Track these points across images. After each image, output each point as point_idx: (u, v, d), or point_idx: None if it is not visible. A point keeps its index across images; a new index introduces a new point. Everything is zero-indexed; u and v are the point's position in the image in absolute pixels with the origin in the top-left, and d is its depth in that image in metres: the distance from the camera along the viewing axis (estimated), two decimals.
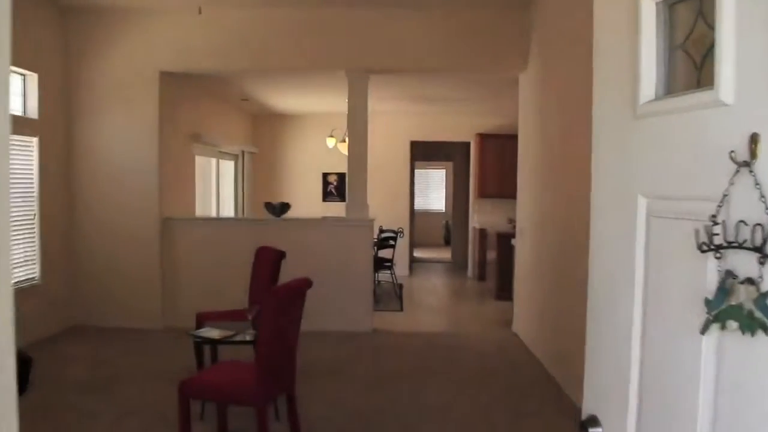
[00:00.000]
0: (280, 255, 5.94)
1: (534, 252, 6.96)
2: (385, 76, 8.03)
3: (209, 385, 3.95)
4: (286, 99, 11.07)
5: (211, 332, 5.06)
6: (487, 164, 12.30)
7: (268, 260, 5.95)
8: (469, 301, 10.38)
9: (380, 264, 10.14)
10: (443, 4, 7.29)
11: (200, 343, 5.15)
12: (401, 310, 9.21)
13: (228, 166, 11.74)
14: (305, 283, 4.09)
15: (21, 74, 7.03)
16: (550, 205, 6.23)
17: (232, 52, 7.57)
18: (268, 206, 8.09)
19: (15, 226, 6.80)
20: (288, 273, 6.12)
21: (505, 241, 9.54)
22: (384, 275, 10.73)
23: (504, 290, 9.59)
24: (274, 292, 3.83)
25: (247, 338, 4.90)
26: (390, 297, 10.06)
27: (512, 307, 8.14)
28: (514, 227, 8.91)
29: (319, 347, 6.91)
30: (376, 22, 7.45)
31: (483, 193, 12.41)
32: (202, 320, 5.78)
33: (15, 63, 6.62)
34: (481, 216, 12.61)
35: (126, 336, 7.33)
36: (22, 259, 6.95)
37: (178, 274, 7.83)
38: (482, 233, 11.86)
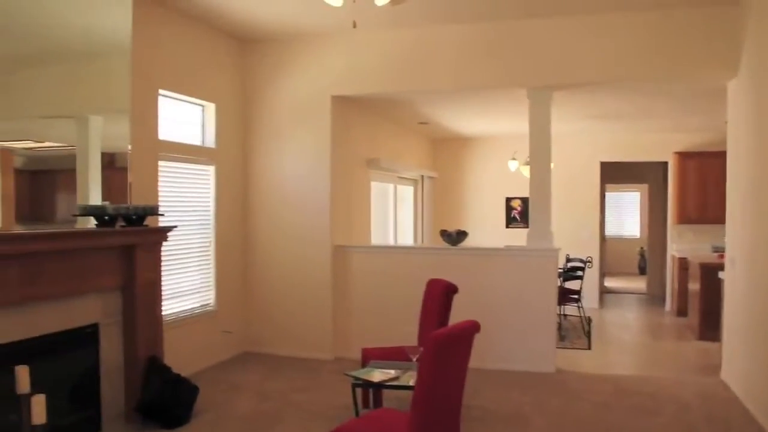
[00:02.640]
0: (451, 289, 5.48)
1: (750, 286, 5.94)
2: (568, 92, 7.36)
3: None
4: (465, 121, 10.64)
5: (372, 374, 4.70)
6: (688, 186, 11.13)
7: (438, 294, 5.50)
8: (666, 339, 9.29)
9: (566, 296, 9.36)
10: (630, 6, 6.50)
11: (358, 386, 4.79)
12: (589, 348, 8.38)
13: (407, 192, 11.50)
14: (472, 328, 3.58)
15: (200, 105, 7.16)
16: None
17: (404, 73, 7.25)
18: (444, 234, 7.67)
19: (193, 253, 6.90)
20: (462, 307, 5.69)
21: (710, 273, 8.42)
22: (570, 308, 9.92)
23: (709, 329, 8.47)
24: (434, 338, 3.35)
25: (411, 383, 4.46)
26: (577, 333, 9.24)
27: (720, 349, 7.09)
28: (721, 257, 7.82)
29: (495, 389, 6.34)
30: (555, 33, 6.80)
31: (683, 218, 11.22)
32: (367, 356, 5.45)
33: (195, 95, 6.80)
34: (681, 243, 11.39)
35: (295, 366, 7.19)
36: (198, 286, 7.03)
37: (349, 304, 7.61)
38: (682, 263, 10.65)
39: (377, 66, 7.31)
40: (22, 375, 3.89)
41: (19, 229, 4.56)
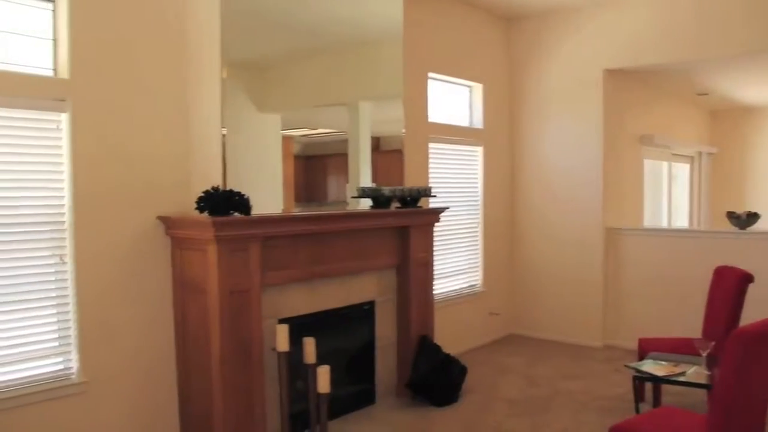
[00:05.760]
0: (746, 279, 4.90)
1: None
2: None
3: None
4: (751, 89, 9.55)
5: (654, 367, 4.37)
6: None
7: (729, 284, 4.97)
8: None
9: None
10: None
11: (641, 380, 4.47)
12: None
13: (682, 170, 10.65)
14: None
15: (467, 86, 7.17)
16: None
17: (687, 39, 6.57)
18: (731, 216, 6.92)
19: (461, 233, 6.96)
20: (756, 302, 5.09)
21: None
22: None
23: None
24: (738, 336, 2.97)
25: (703, 381, 4.07)
26: None
27: None
28: None
29: None
30: None
31: None
32: (645, 348, 5.10)
33: (462, 76, 6.81)
34: None
35: (562, 352, 6.97)
36: (466, 267, 7.07)
37: (621, 290, 7.17)
38: None
39: (653, 35, 6.73)
40: (309, 346, 4.15)
41: (297, 211, 4.84)
